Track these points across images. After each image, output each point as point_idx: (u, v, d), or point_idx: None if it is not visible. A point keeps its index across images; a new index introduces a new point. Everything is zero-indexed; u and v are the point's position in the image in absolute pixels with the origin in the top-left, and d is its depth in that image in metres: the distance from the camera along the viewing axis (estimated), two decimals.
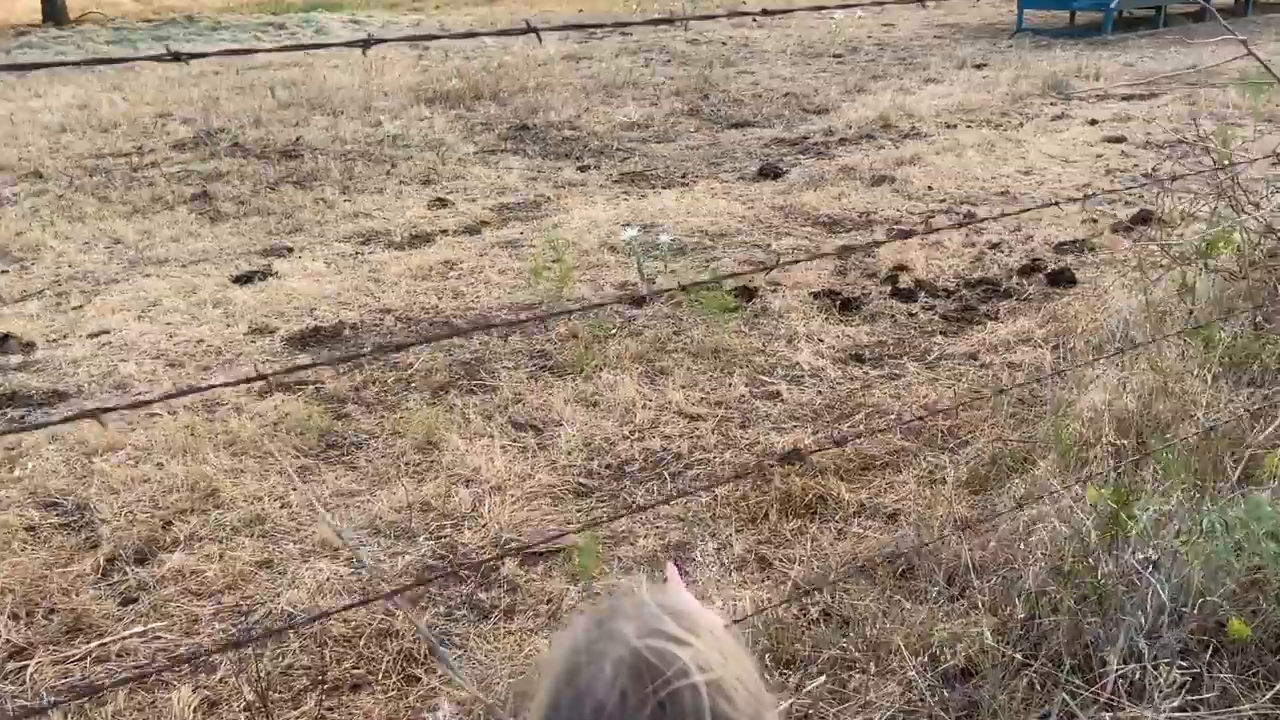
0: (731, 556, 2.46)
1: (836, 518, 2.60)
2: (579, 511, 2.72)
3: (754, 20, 15.59)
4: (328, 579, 2.44)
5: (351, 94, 8.96)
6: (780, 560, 2.43)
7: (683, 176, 6.36)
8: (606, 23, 1.38)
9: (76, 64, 0.98)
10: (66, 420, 1.06)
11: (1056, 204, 3.07)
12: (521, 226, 5.42)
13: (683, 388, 3.37)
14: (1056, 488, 2.20)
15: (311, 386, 3.52)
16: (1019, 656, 1.74)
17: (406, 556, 2.54)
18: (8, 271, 4.87)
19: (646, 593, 0.70)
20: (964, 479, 2.69)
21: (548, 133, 7.67)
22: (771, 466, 2.86)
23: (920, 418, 2.95)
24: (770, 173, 6.20)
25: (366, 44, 1.03)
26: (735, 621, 2.02)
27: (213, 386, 1.22)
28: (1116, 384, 2.71)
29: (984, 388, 3.27)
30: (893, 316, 3.90)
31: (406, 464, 2.99)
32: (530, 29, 1.16)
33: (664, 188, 6.10)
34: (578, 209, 5.69)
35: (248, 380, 1.17)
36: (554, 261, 4.70)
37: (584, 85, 9.54)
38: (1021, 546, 2.03)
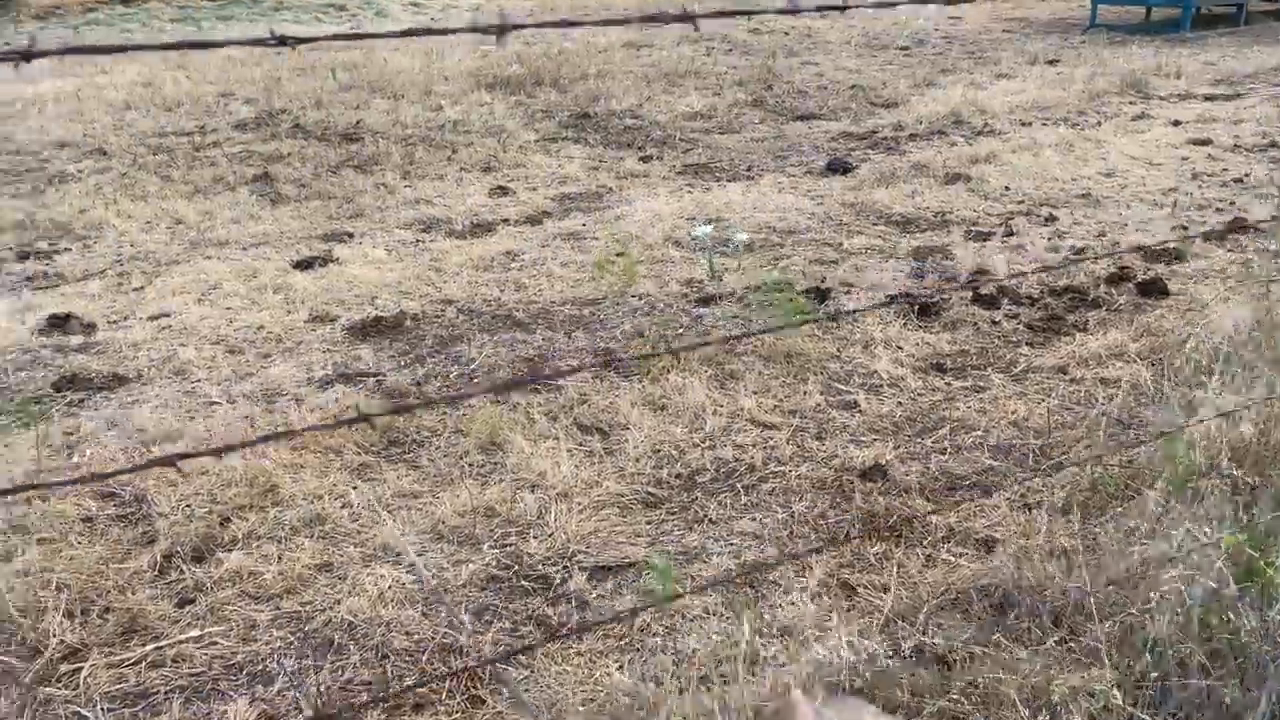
0: (812, 581, 2.33)
1: (924, 542, 2.45)
2: (648, 524, 2.60)
3: (816, 9, 15.29)
4: (389, 586, 2.34)
5: (412, 78, 8.90)
6: (865, 587, 2.29)
7: (748, 169, 6.20)
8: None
9: (176, 47, 0.87)
10: (138, 469, 0.95)
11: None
12: (583, 218, 5.30)
13: (754, 394, 3.23)
14: (1172, 522, 2.04)
15: (373, 379, 3.43)
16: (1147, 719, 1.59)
17: (470, 565, 2.43)
18: (70, 249, 4.85)
19: None
20: (1061, 505, 2.52)
21: (609, 121, 7.55)
22: (852, 483, 2.71)
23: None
24: (839, 168, 6.02)
25: (501, 30, 0.91)
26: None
27: (311, 429, 1.10)
28: (1230, 407, 2.53)
29: (1076, 405, 3.09)
30: (975, 324, 3.73)
31: (470, 465, 2.89)
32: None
33: (729, 181, 5.95)
34: (640, 201, 5.56)
35: (350, 422, 1.06)
36: (617, 255, 4.58)
37: (645, 73, 9.40)
38: (1141, 589, 1.87)
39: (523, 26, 0.97)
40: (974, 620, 2.11)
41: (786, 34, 12.39)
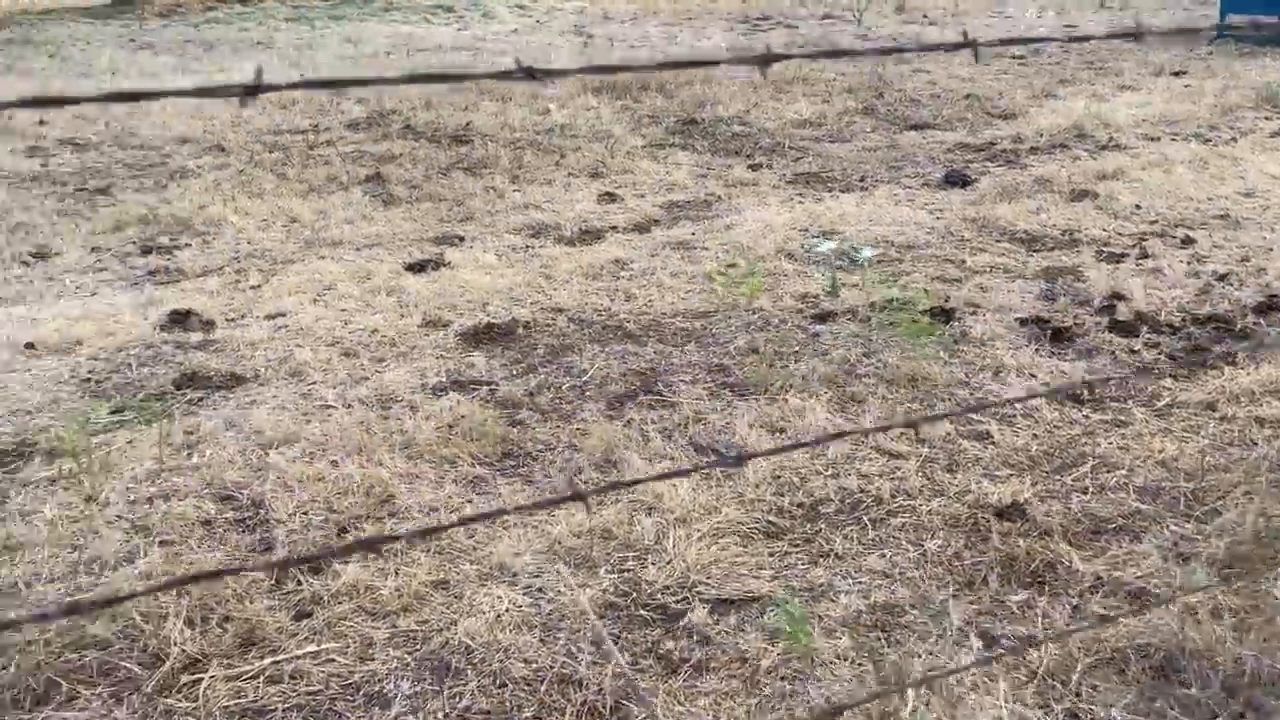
0: (949, 628, 2.19)
1: (1070, 591, 2.29)
2: (771, 555, 2.49)
3: (924, 16, 14.97)
4: (506, 609, 2.28)
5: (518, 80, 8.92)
6: (1008, 639, 2.15)
7: (861, 180, 6.04)
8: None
9: (414, 79, 0.81)
10: (339, 554, 0.89)
11: None
12: (692, 226, 5.21)
13: (879, 419, 3.09)
14: None
15: (486, 388, 3.39)
16: None
17: (588, 590, 2.36)
18: (190, 245, 4.94)
19: None
20: (1221, 556, 2.34)
21: (716, 128, 7.44)
22: (988, 521, 2.56)
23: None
24: (957, 180, 5.81)
25: (765, 60, 0.83)
26: None
27: (501, 513, 1.03)
28: None
29: (1229, 445, 2.89)
30: (1112, 353, 3.53)
31: (585, 483, 2.82)
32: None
33: (842, 191, 5.80)
34: (750, 210, 5.45)
35: (565, 499, 0.99)
36: (728, 266, 4.48)
37: (752, 79, 9.26)
38: None
39: (785, 57, 0.88)
40: (1132, 684, 1.95)
41: (894, 39, 12.12)
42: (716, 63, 0.84)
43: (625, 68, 0.81)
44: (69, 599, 2.31)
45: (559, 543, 2.53)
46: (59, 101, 0.80)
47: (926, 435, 3.00)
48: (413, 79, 0.85)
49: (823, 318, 3.92)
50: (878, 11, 14.50)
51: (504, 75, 0.82)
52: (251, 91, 0.72)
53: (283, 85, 0.77)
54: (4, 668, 2.09)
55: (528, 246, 4.86)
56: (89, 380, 3.47)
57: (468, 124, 7.27)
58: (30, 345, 3.73)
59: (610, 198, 5.71)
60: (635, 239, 5.00)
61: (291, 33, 12.90)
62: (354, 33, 12.80)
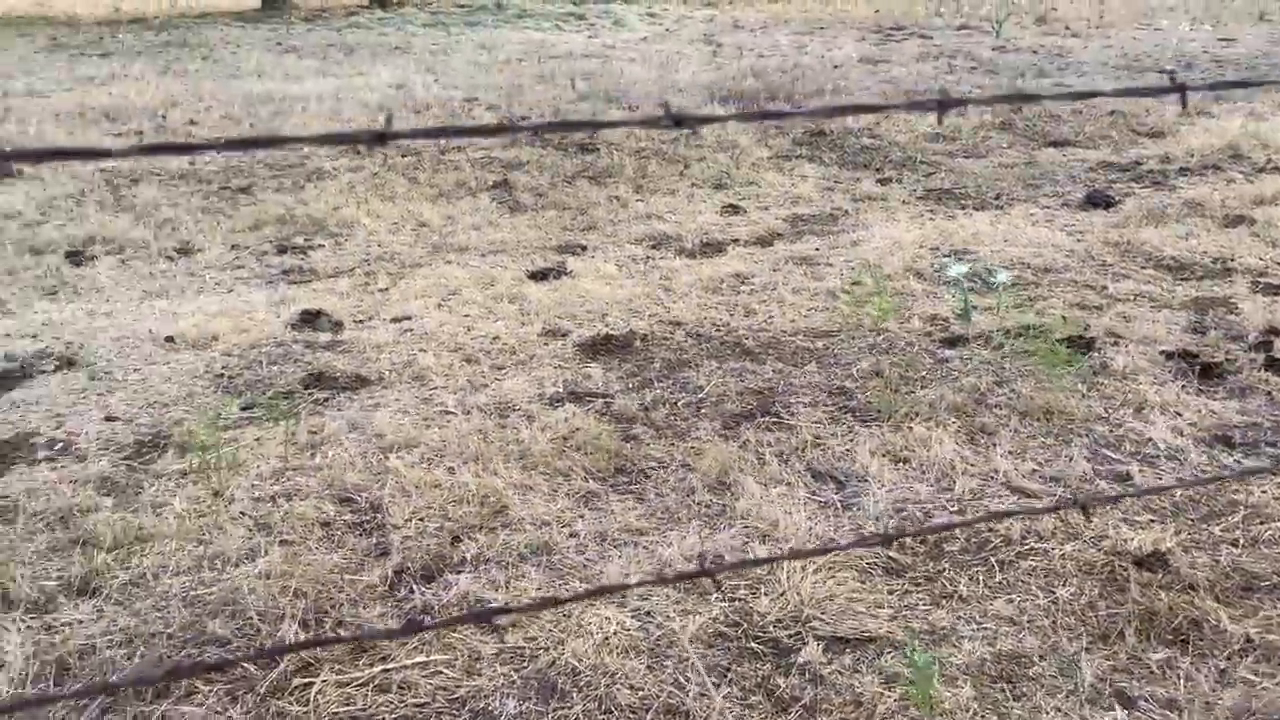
0: (1081, 684, 2.06)
1: (1217, 652, 2.13)
2: (890, 593, 2.39)
3: (1066, 28, 14.41)
4: (615, 631, 2.24)
5: (647, 89, 8.94)
6: (1147, 700, 2.00)
7: (996, 198, 5.82)
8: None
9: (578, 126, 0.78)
10: (452, 623, 0.86)
11: None
12: (817, 241, 5.10)
13: (1010, 454, 2.95)
14: None
15: (602, 400, 3.37)
16: None
17: (698, 617, 2.30)
18: (324, 246, 5.09)
19: None
20: None
21: (845, 140, 7.30)
22: (1126, 570, 2.41)
23: None
24: (1100, 201, 5.54)
25: (943, 105, 0.77)
26: None
27: (624, 587, 0.99)
28: None
29: None
30: (1268, 393, 3.29)
31: (698, 504, 2.76)
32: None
33: (975, 209, 5.60)
34: (878, 226, 5.31)
35: (693, 575, 0.94)
36: (854, 284, 4.37)
37: (883, 90, 9.07)
38: None
39: (963, 103, 0.81)
40: None
41: (1035, 52, 11.69)
42: (886, 108, 0.78)
43: (781, 114, 0.75)
44: (192, 593, 2.37)
45: (669, 566, 2.48)
46: (186, 148, 0.80)
47: (1062, 474, 2.84)
48: (551, 126, 0.82)
49: (952, 342, 3.77)
50: (1017, 22, 14.05)
51: (650, 123, 0.78)
52: (379, 139, 0.70)
53: (407, 133, 0.75)
54: (129, 658, 2.16)
55: (648, 257, 4.84)
56: (222, 376, 3.59)
57: (594, 132, 7.31)
58: (170, 339, 3.88)
59: (733, 209, 5.64)
60: (757, 253, 4.92)
61: (428, 38, 13.24)
62: (487, 39, 13.06)
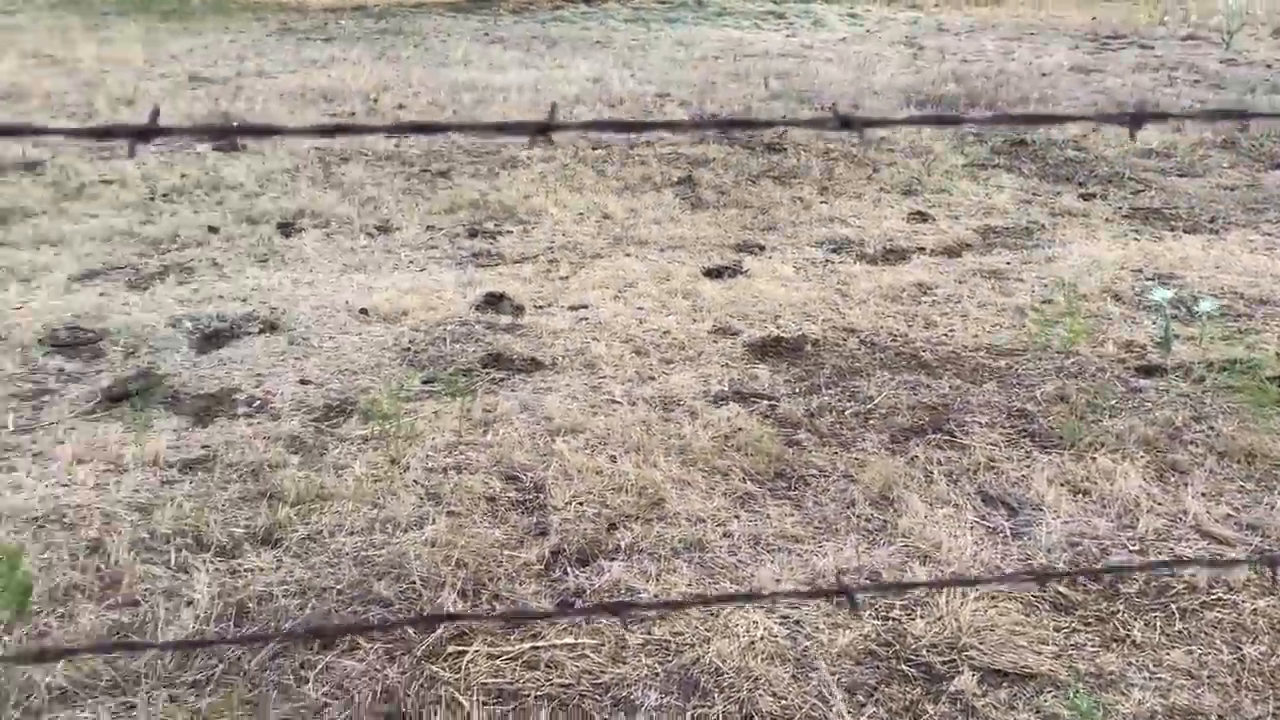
0: None
1: None
2: (1057, 630, 2.27)
3: None
4: (761, 636, 2.23)
5: (842, 89, 8.79)
6: None
7: (1211, 221, 5.42)
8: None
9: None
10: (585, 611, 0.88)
11: None
12: (1009, 255, 4.89)
13: (1203, 495, 2.74)
14: None
15: (766, 402, 3.34)
16: None
17: (848, 633, 2.25)
18: (512, 232, 5.25)
19: None
20: None
21: (1047, 150, 6.96)
22: None
23: None
24: None
25: (1134, 120, 0.74)
26: None
27: (755, 596, 0.99)
28: None
29: None
30: None
31: (858, 517, 2.70)
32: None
33: (1185, 232, 5.23)
34: (1077, 243, 5.04)
35: (829, 593, 0.93)
36: (1045, 303, 4.17)
37: (1093, 101, 8.60)
38: None
39: (1161, 118, 0.77)
40: None
41: (1269, 66, 10.81)
42: (1068, 119, 0.74)
43: (957, 120, 0.72)
44: (362, 553, 2.50)
45: (822, 576, 2.44)
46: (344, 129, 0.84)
47: (1261, 522, 2.62)
48: (717, 123, 0.81)
49: (1149, 371, 3.54)
50: (1252, 34, 13.02)
51: (816, 124, 0.76)
52: (543, 130, 0.71)
53: (573, 125, 0.76)
54: (301, 609, 2.30)
55: (827, 261, 4.76)
56: (409, 350, 3.76)
57: (783, 132, 7.25)
58: (364, 311, 4.10)
59: (921, 217, 5.48)
60: (943, 263, 4.76)
61: (628, 33, 13.46)
62: (686, 36, 13.15)
